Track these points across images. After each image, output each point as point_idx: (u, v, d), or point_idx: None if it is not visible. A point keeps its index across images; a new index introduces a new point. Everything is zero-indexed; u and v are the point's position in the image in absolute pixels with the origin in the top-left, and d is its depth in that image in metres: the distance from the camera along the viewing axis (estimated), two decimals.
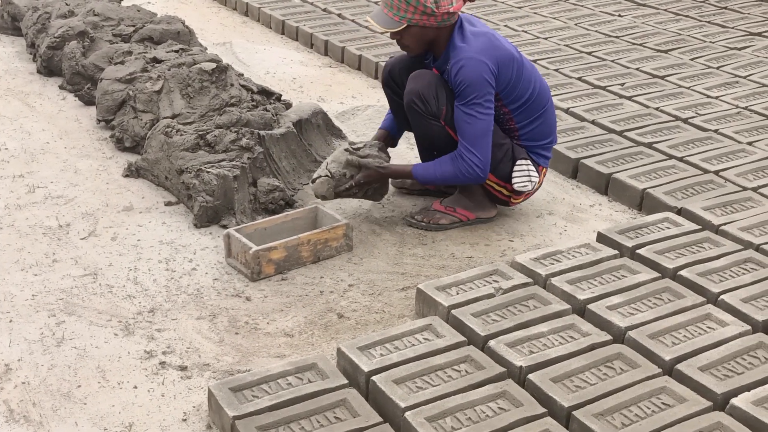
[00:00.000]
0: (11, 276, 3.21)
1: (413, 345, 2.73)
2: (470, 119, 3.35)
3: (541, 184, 3.69)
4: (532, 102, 3.49)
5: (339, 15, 6.28)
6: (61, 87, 4.99)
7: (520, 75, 3.42)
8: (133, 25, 5.19)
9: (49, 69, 5.17)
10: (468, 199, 3.61)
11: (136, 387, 2.68)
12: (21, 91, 4.95)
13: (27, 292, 3.12)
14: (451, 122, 3.44)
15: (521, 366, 2.65)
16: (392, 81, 3.67)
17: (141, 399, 2.63)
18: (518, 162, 3.52)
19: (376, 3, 6.58)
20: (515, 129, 3.54)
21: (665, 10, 6.68)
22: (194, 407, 2.60)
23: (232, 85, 4.17)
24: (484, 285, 3.06)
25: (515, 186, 3.53)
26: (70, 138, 4.37)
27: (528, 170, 3.53)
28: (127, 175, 3.98)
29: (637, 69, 5.29)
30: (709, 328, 2.87)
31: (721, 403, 2.55)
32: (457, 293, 3.02)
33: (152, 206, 3.73)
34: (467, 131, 3.37)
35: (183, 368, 2.76)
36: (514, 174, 3.52)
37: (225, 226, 3.55)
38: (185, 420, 2.55)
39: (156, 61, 4.51)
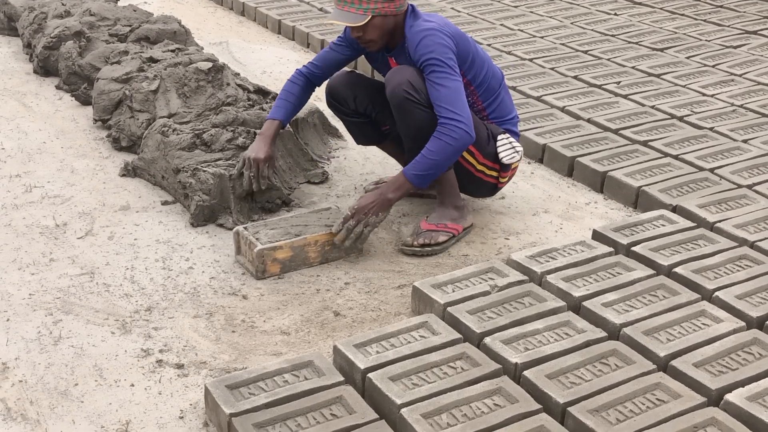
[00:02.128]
0: (8, 275, 3.22)
1: (409, 342, 2.74)
2: (439, 86, 3.29)
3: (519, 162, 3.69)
4: (490, 78, 3.53)
5: None
6: (57, 87, 5.00)
7: (476, 51, 3.49)
8: (130, 25, 5.21)
9: (45, 69, 5.18)
10: (450, 209, 3.54)
11: (133, 385, 2.68)
12: (17, 91, 4.96)
13: (24, 291, 3.12)
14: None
15: (516, 363, 2.66)
16: (334, 101, 3.70)
17: (138, 397, 2.63)
18: (499, 137, 3.52)
19: None
20: (482, 108, 3.57)
21: (661, 8, 6.70)
22: (191, 405, 2.60)
23: (228, 84, 4.18)
24: (480, 282, 3.07)
25: (504, 160, 3.51)
26: (66, 138, 4.38)
27: (510, 142, 3.54)
28: (123, 175, 3.99)
29: (633, 67, 5.30)
30: (703, 324, 2.88)
31: (715, 398, 2.56)
32: (453, 291, 3.02)
33: (149, 205, 3.74)
34: (441, 96, 3.29)
35: (180, 366, 2.77)
36: (498, 149, 3.51)
37: (221, 225, 3.56)
38: (182, 418, 2.56)
39: (152, 60, 4.52)
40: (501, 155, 3.51)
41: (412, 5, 3.46)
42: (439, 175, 3.36)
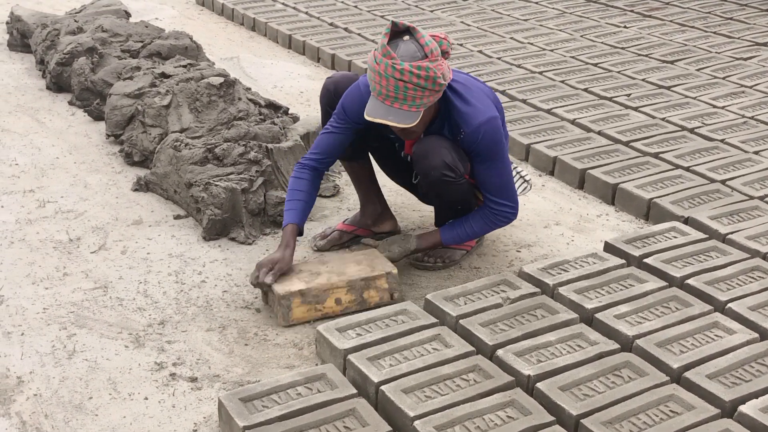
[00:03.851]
0: (23, 289, 3.24)
1: (422, 355, 2.75)
2: (496, 174, 3.22)
3: None
4: None
5: (345, 29, 6.32)
6: (70, 103, 5.03)
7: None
8: (141, 41, 5.24)
9: (58, 85, 5.21)
10: None
11: (146, 398, 2.69)
12: (31, 107, 5.00)
13: (38, 306, 3.14)
14: (471, 174, 3.28)
15: (529, 375, 2.66)
16: (332, 107, 3.40)
17: (152, 410, 2.64)
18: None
19: (382, 17, 6.62)
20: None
21: (671, 21, 6.71)
22: (204, 418, 2.61)
23: (239, 99, 4.21)
24: (492, 295, 3.08)
25: (519, 195, 3.46)
26: (79, 153, 4.41)
27: (518, 174, 3.55)
28: (136, 189, 4.01)
29: (643, 80, 5.31)
30: (716, 336, 2.87)
31: (729, 410, 2.56)
32: (465, 303, 3.03)
33: (161, 220, 3.76)
34: (495, 185, 3.24)
35: (193, 379, 2.78)
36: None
37: (234, 239, 3.58)
38: (196, 431, 2.56)
39: (164, 76, 4.55)
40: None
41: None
42: (477, 234, 3.39)
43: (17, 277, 3.31)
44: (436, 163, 3.14)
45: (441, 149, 3.15)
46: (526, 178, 3.58)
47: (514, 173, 3.50)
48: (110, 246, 3.55)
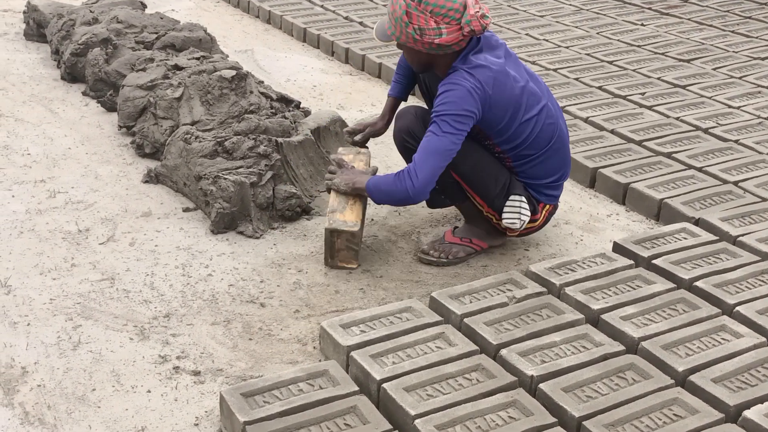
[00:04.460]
0: (30, 280, 3.25)
1: (425, 353, 2.74)
2: (427, 138, 3.15)
3: (545, 221, 3.48)
4: (527, 145, 3.29)
5: (360, 23, 6.31)
6: (84, 93, 5.04)
7: (514, 118, 3.23)
8: (156, 33, 5.24)
9: (72, 75, 5.23)
10: (480, 229, 3.49)
11: (149, 391, 2.70)
12: (45, 97, 5.01)
13: (45, 296, 3.15)
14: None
15: (532, 375, 2.65)
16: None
17: (154, 403, 2.65)
18: (511, 197, 3.32)
19: None
20: (512, 167, 3.38)
21: (689, 19, 6.65)
22: (206, 412, 2.62)
23: (251, 92, 4.20)
24: (498, 294, 3.06)
25: (503, 221, 3.34)
26: (91, 144, 4.42)
27: (519, 207, 3.32)
28: (146, 181, 4.01)
29: (659, 78, 5.27)
30: (723, 339, 2.85)
31: (733, 415, 2.53)
32: (471, 302, 3.02)
33: (170, 212, 3.77)
34: (421, 147, 3.16)
35: (196, 373, 2.78)
36: (504, 209, 3.33)
37: (241, 233, 3.58)
38: (197, 425, 2.57)
39: (177, 68, 4.56)
40: (503, 216, 3.34)
41: (482, 43, 3.23)
42: (382, 201, 3.33)
43: (25, 267, 3.32)
44: (398, 127, 3.49)
45: (407, 116, 3.46)
46: (523, 214, 3.33)
47: (515, 203, 3.32)
48: (119, 237, 3.56)
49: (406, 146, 3.48)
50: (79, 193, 3.90)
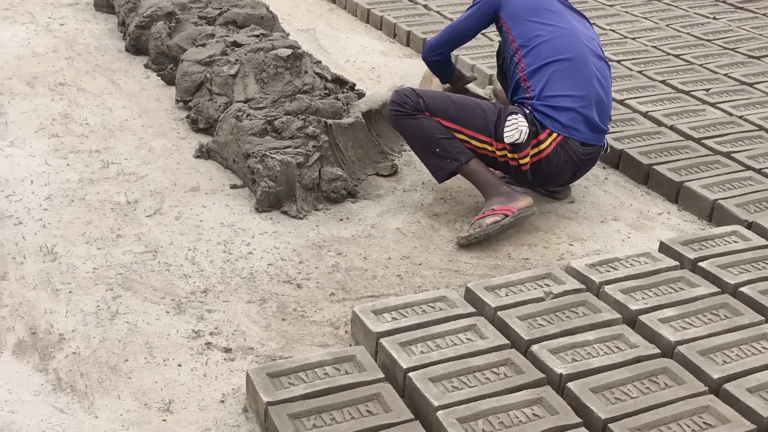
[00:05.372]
0: (76, 248, 3.31)
1: (455, 344, 2.72)
2: (458, 19, 3.86)
3: (551, 149, 3.54)
4: (540, 43, 3.59)
5: (425, 6, 6.26)
6: (146, 66, 5.11)
7: (534, 13, 3.64)
8: (220, 8, 5.28)
9: (136, 48, 5.30)
10: (497, 196, 3.52)
11: (180, 365, 2.74)
12: (108, 68, 5.09)
13: (89, 265, 3.21)
14: (435, 111, 3.56)
15: (561, 373, 2.61)
16: None
17: (183, 377, 2.69)
18: (508, 118, 3.52)
19: None
20: (523, 68, 3.62)
21: (764, 14, 6.45)
22: (233, 389, 2.64)
23: (306, 72, 4.21)
24: (535, 288, 3.02)
25: (505, 139, 3.50)
26: (148, 116, 4.48)
27: (516, 121, 3.50)
28: (197, 156, 4.06)
29: (726, 75, 5.12)
30: (764, 348, 2.78)
31: (765, 427, 2.47)
32: (506, 295, 2.99)
33: (218, 188, 3.80)
34: (451, 23, 3.94)
35: (227, 350, 2.81)
36: (504, 130, 3.51)
37: (285, 213, 3.59)
38: (223, 402, 2.60)
39: (236, 45, 4.58)
40: (504, 135, 3.51)
41: None
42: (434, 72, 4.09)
43: (73, 236, 3.39)
44: (389, 102, 3.70)
45: (392, 92, 3.76)
46: (521, 126, 3.50)
47: (512, 120, 3.51)
48: (165, 211, 3.61)
49: (397, 115, 3.64)
50: (132, 165, 3.96)
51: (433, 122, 3.55)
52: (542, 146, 3.54)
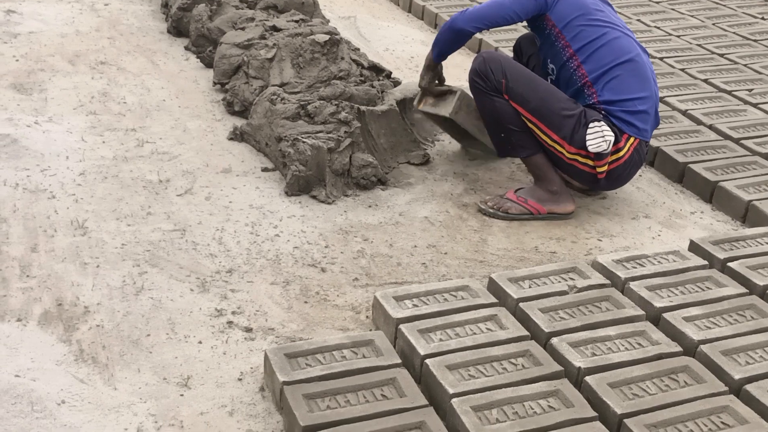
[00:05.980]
0: (106, 224, 3.36)
1: (474, 334, 2.71)
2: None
3: (631, 157, 3.49)
4: (600, 47, 3.48)
5: None
6: (186, 48, 5.15)
7: (584, 14, 3.50)
8: None
9: (177, 29, 5.34)
10: (543, 191, 3.53)
11: (200, 342, 2.76)
12: (149, 49, 5.15)
13: (118, 241, 3.25)
14: (514, 96, 3.49)
15: (580, 367, 2.59)
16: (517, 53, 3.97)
17: (203, 354, 2.71)
18: (591, 125, 3.40)
19: None
20: (585, 75, 3.49)
21: None
22: (251, 368, 2.66)
23: (342, 58, 4.21)
24: (559, 281, 3.00)
25: (589, 148, 3.39)
26: (185, 97, 4.52)
27: (601, 130, 3.38)
28: (231, 138, 4.08)
29: None
30: None
31: None
32: (529, 287, 2.97)
33: (249, 171, 3.82)
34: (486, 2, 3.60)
35: (248, 330, 2.83)
36: (587, 137, 3.39)
37: (314, 197, 3.60)
38: (240, 380, 2.62)
39: (275, 29, 4.60)
40: (588, 144, 3.40)
41: None
42: (440, 47, 3.73)
43: (104, 212, 3.43)
44: (471, 69, 3.61)
45: (480, 57, 3.59)
46: (606, 136, 3.40)
47: (596, 128, 3.39)
48: (196, 191, 3.64)
49: (476, 86, 3.60)
50: (166, 145, 4.00)
51: (509, 109, 3.49)
52: (621, 153, 3.48)
